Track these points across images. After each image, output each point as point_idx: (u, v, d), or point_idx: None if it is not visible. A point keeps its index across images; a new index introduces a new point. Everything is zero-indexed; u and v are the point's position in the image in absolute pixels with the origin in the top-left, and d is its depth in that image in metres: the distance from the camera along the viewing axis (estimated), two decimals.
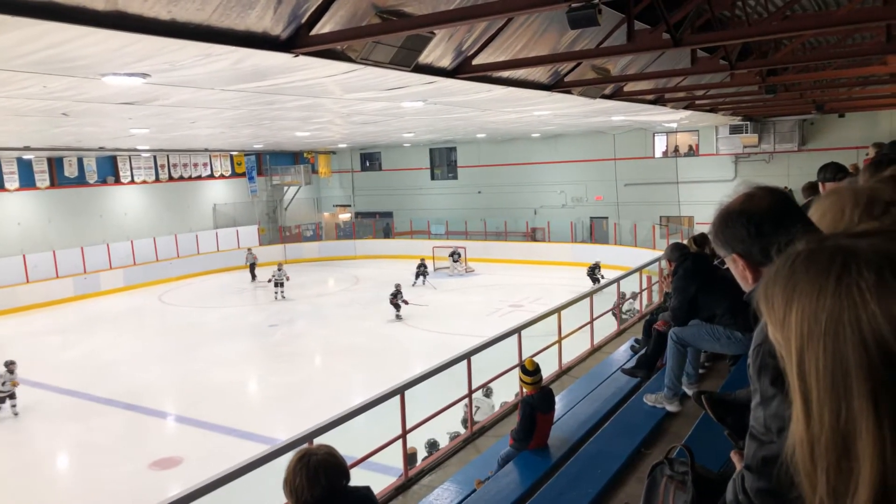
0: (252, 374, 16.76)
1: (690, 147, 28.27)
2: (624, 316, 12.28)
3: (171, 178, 30.51)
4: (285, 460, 2.95)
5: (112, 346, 19.31)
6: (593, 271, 22.33)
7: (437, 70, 8.19)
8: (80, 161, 26.92)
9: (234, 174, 33.55)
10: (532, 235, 31.68)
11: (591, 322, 9.26)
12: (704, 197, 25.93)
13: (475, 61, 8.29)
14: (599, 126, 24.52)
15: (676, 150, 28.61)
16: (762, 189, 1.67)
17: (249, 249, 29.67)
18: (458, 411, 7.40)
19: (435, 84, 9.21)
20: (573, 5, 5.31)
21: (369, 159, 36.84)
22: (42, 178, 25.93)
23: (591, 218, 30.28)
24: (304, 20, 6.01)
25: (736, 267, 1.66)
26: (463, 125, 20.48)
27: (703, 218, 25.56)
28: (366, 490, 2.96)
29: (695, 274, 5.17)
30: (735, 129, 25.74)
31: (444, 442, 7.85)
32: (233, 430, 12.35)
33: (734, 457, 1.70)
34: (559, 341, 8.43)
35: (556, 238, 30.74)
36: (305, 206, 36.87)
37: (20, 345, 18.85)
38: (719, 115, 21.10)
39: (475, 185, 33.21)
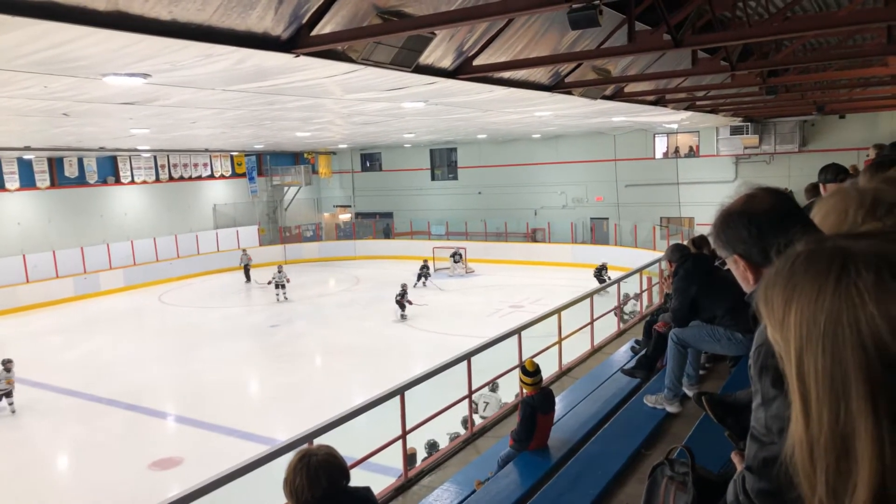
0: (252, 375, 16.76)
1: (691, 148, 28.28)
2: (626, 317, 12.28)
3: (171, 179, 30.52)
4: (285, 461, 2.95)
5: (112, 347, 19.31)
6: (600, 272, 22.36)
7: (437, 71, 8.19)
8: (80, 161, 26.93)
9: (235, 174, 33.56)
10: (532, 236, 31.68)
11: (592, 323, 9.26)
12: (705, 198, 25.93)
13: (476, 62, 8.29)
14: (600, 127, 24.53)
15: (677, 151, 28.61)
16: (763, 190, 1.67)
17: (244, 250, 29.56)
18: (458, 412, 7.39)
19: (436, 85, 9.22)
20: (574, 6, 5.31)
21: (370, 160, 36.84)
22: (42, 178, 25.93)
23: (592, 219, 30.29)
24: (304, 20, 6.01)
25: (737, 268, 1.66)
26: (463, 126, 20.49)
27: (703, 219, 25.57)
28: (366, 490, 2.96)
29: (695, 275, 5.16)
30: (736, 130, 25.75)
31: (443, 443, 7.85)
32: (233, 431, 12.35)
33: (735, 458, 1.70)
34: (559, 342, 8.43)
35: (556, 239, 30.75)
36: (306, 206, 36.87)
37: (20, 345, 18.85)
38: (720, 116, 21.11)
39: (475, 186, 33.21)
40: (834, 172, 4.08)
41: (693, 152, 28.15)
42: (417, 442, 8.36)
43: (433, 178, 35.07)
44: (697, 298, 5.08)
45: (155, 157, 29.47)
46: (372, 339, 18.61)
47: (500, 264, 29.59)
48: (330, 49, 6.46)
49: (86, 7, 4.69)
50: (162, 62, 6.76)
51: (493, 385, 9.53)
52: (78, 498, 10.64)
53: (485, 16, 5.74)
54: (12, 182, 25.08)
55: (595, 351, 9.09)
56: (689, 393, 5.45)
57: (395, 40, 6.45)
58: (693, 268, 5.27)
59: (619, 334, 9.83)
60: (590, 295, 9.40)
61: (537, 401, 5.40)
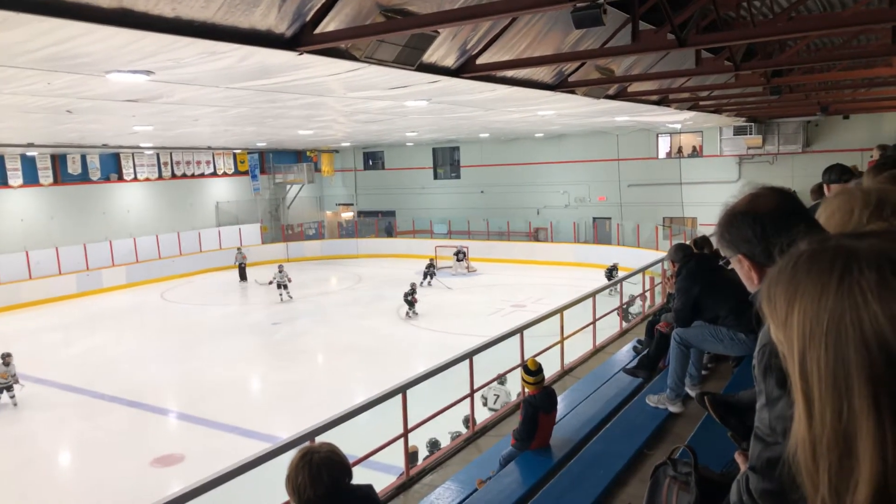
0: (254, 372, 16.78)
1: (694, 148, 28.24)
2: (630, 316, 12.28)
3: (173, 176, 30.54)
4: (287, 458, 2.95)
5: (114, 343, 19.35)
6: (611, 273, 22.38)
7: (441, 69, 8.19)
8: (83, 158, 26.96)
9: (237, 172, 33.58)
10: (535, 235, 31.67)
11: (594, 322, 9.25)
12: (708, 198, 25.91)
13: (479, 60, 8.28)
14: (603, 126, 24.50)
15: (680, 150, 28.58)
16: (768, 189, 1.66)
17: (239, 249, 29.45)
18: (460, 411, 7.39)
19: (439, 83, 9.21)
20: (578, 5, 5.30)
21: (372, 158, 36.85)
22: (45, 175, 25.98)
23: (594, 218, 30.26)
24: (308, 18, 6.01)
25: (741, 267, 1.65)
26: (466, 124, 20.48)
27: (706, 219, 25.55)
28: (368, 488, 2.95)
29: (698, 275, 5.15)
30: (739, 131, 25.71)
31: (445, 441, 7.85)
32: (235, 428, 12.37)
33: (738, 458, 1.69)
34: (561, 341, 8.42)
35: (558, 238, 30.74)
36: (308, 204, 36.89)
37: (23, 341, 18.86)
38: (723, 116, 21.08)
39: (478, 185, 33.20)
40: (838, 173, 4.06)
41: (696, 152, 28.11)
42: (419, 440, 8.37)
43: (436, 177, 35.07)
44: (700, 298, 5.07)
45: (158, 155, 29.48)
46: (373, 338, 18.62)
47: (503, 263, 29.59)
48: (333, 47, 6.46)
49: (90, 4, 4.69)
50: (165, 59, 6.77)
51: (501, 379, 9.59)
52: (80, 494, 10.66)
53: (488, 14, 5.74)
54: (16, 179, 25.12)
55: (597, 351, 9.08)
56: (692, 393, 5.44)
57: (398, 38, 6.44)
58: (696, 268, 5.26)
59: (622, 334, 9.82)
60: (593, 294, 9.39)
61: (539, 400, 5.39)
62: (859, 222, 1.33)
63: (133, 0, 4.85)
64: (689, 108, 16.84)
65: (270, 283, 24.12)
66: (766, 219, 1.57)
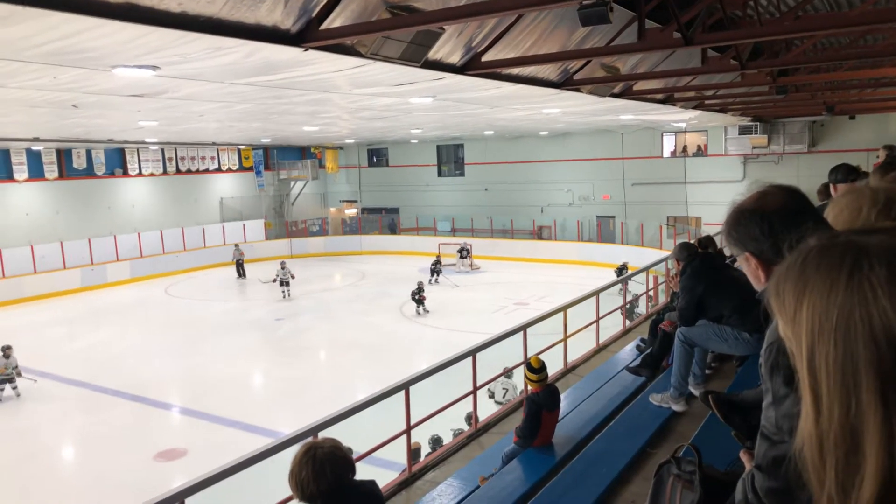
0: (257, 368, 16.81)
1: (699, 147, 28.17)
2: (635, 315, 12.27)
3: (178, 171, 30.60)
4: (289, 453, 2.95)
5: (118, 338, 19.40)
6: (621, 272, 22.35)
7: (446, 66, 8.18)
8: (88, 153, 27.03)
9: (242, 168, 33.62)
10: (538, 233, 31.65)
11: (597, 321, 9.24)
12: (712, 197, 25.84)
13: (485, 58, 8.27)
14: (608, 125, 24.47)
15: (685, 149, 28.51)
16: (776, 187, 1.65)
17: (236, 245, 29.38)
18: (462, 408, 7.39)
19: (444, 80, 9.21)
20: (584, 2, 5.29)
21: (376, 155, 36.86)
22: (51, 170, 26.04)
23: (598, 217, 30.21)
24: (314, 14, 6.01)
25: (748, 265, 1.65)
26: (471, 122, 20.46)
27: (710, 218, 25.48)
28: (371, 484, 2.96)
29: (703, 274, 5.15)
30: (744, 130, 25.62)
31: (447, 438, 7.86)
32: (237, 423, 12.40)
33: (743, 457, 1.69)
34: (565, 340, 8.42)
35: (562, 236, 30.72)
36: (312, 200, 36.92)
37: (27, 335, 18.95)
38: (729, 116, 21.02)
39: (482, 183, 33.18)
40: (845, 172, 4.05)
41: (701, 151, 28.05)
42: (421, 437, 8.37)
43: (440, 175, 35.05)
44: (704, 297, 5.06)
45: (162, 150, 29.54)
46: (376, 335, 18.63)
47: (506, 261, 29.58)
48: (339, 43, 6.46)
49: None
50: (171, 54, 6.77)
51: (508, 373, 9.59)
52: (83, 487, 10.70)
53: (494, 11, 5.72)
54: (21, 173, 25.18)
55: (600, 349, 9.08)
56: (695, 392, 5.43)
57: (404, 35, 6.44)
58: (701, 267, 5.25)
59: (625, 333, 9.82)
60: (597, 292, 9.38)
61: (543, 397, 5.39)
62: (867, 221, 1.32)
63: None
64: (695, 107, 16.80)
65: (274, 280, 23.96)
66: (773, 217, 1.57)
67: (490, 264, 29.04)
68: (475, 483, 5.16)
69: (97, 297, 25.13)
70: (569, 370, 8.31)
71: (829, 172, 4.25)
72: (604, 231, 29.87)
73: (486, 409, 8.45)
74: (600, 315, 9.28)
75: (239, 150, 33.07)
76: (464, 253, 28.52)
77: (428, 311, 20.60)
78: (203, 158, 31.49)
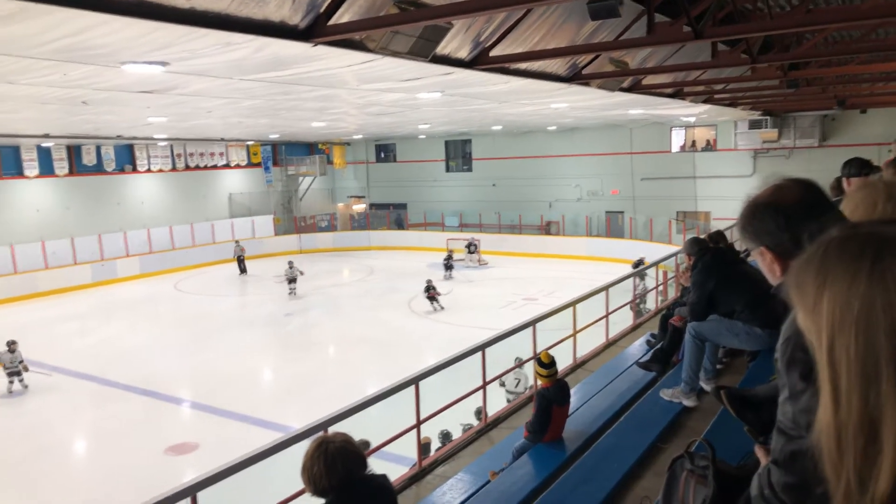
0: (266, 363, 16.88)
1: (708, 142, 28.02)
2: (644, 311, 12.24)
3: (187, 167, 30.72)
4: (300, 448, 2.96)
5: (128, 333, 19.53)
6: (637, 267, 22.28)
7: (454, 61, 8.17)
8: (98, 149, 27.17)
9: (250, 164, 33.72)
10: (546, 229, 31.59)
11: (607, 316, 9.22)
12: (722, 192, 25.74)
13: (493, 53, 8.25)
14: (616, 119, 24.37)
15: (694, 144, 28.37)
16: (791, 181, 1.64)
17: (237, 241, 29.32)
18: (472, 403, 7.40)
19: (452, 75, 9.19)
20: None
21: (384, 150, 36.87)
22: (61, 166, 26.20)
23: (607, 212, 30.13)
24: (322, 9, 6.01)
25: (763, 260, 1.63)
26: (479, 117, 20.43)
27: (720, 213, 25.37)
28: (382, 478, 2.96)
29: (714, 269, 5.12)
30: (754, 124, 25.43)
31: (457, 434, 7.87)
32: (247, 418, 12.46)
33: (758, 452, 1.68)
34: (574, 335, 8.40)
35: (570, 232, 30.65)
36: (320, 196, 37.00)
37: (38, 330, 19.11)
38: (739, 110, 20.90)
39: (490, 178, 33.14)
40: (858, 167, 4.01)
41: (710, 146, 27.90)
42: (431, 432, 8.39)
43: (447, 170, 35.04)
44: (715, 292, 5.04)
45: (171, 146, 29.67)
46: (385, 330, 18.67)
47: (514, 257, 29.55)
48: (347, 38, 6.45)
49: None
50: (180, 50, 6.79)
51: (521, 365, 9.60)
52: (94, 482, 10.78)
53: (502, 6, 5.71)
54: (31, 169, 25.35)
55: (610, 344, 9.06)
56: (707, 387, 5.42)
57: (412, 30, 6.43)
58: (712, 262, 5.22)
59: (634, 328, 9.80)
60: (605, 288, 9.36)
61: (553, 392, 5.39)
62: (883, 216, 1.31)
63: None
64: (704, 102, 16.70)
65: (286, 278, 23.44)
66: (789, 210, 1.55)
67: (498, 260, 29.02)
68: (485, 478, 5.16)
69: (107, 293, 25.29)
70: (578, 365, 8.30)
71: (841, 167, 4.21)
72: (612, 226, 29.78)
73: (496, 405, 8.46)
74: (609, 310, 9.26)
75: (247, 146, 33.16)
76: (472, 248, 28.51)
77: (443, 308, 20.53)
78: (212, 154, 31.59)
